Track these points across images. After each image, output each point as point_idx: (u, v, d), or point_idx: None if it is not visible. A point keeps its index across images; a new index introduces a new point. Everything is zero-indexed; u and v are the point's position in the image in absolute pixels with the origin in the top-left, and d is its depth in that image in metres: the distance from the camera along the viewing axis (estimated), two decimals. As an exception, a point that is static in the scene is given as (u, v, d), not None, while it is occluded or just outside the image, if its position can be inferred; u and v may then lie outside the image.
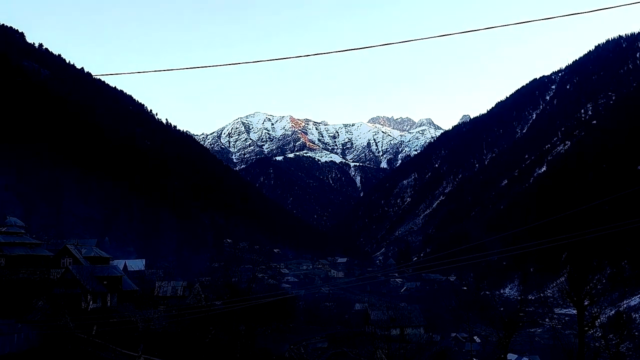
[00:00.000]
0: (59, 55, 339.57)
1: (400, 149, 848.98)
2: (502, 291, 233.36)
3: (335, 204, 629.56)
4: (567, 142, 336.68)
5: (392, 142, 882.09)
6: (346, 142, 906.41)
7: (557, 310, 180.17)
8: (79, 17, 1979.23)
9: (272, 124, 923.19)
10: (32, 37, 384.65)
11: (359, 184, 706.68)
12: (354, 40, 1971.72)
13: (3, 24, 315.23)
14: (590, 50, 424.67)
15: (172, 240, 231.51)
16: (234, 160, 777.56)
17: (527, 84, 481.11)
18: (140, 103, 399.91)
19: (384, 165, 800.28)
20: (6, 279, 73.16)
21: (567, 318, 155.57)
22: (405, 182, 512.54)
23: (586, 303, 27.42)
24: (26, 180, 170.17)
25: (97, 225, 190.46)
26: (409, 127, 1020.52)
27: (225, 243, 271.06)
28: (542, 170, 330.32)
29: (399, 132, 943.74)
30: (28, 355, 52.03)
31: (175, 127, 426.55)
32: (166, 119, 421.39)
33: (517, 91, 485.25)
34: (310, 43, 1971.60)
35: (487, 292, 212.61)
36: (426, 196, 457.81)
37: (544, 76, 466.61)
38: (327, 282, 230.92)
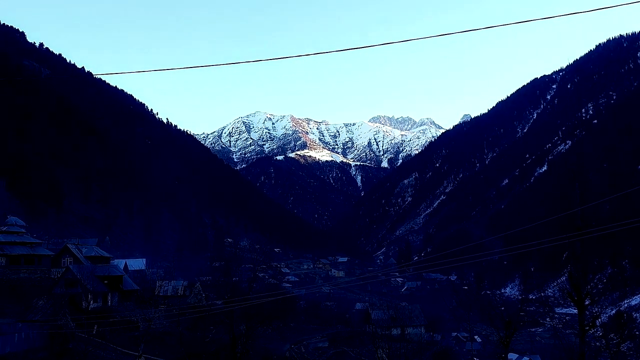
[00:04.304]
0: (60, 54, 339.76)
1: (401, 149, 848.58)
2: (502, 290, 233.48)
3: (336, 204, 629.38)
4: (567, 142, 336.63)
5: (393, 141, 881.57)
6: (347, 142, 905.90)
7: (557, 310, 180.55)
8: (79, 17, 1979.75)
9: (273, 124, 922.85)
10: (33, 37, 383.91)
11: (359, 184, 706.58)
12: (354, 40, 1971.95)
13: (3, 24, 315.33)
14: (591, 50, 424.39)
15: (173, 239, 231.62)
16: (235, 160, 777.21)
17: (527, 84, 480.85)
18: (141, 102, 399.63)
19: (384, 164, 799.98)
20: (7, 278, 73.24)
21: (567, 317, 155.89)
22: (406, 181, 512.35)
23: (587, 302, 27.28)
24: (26, 180, 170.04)
25: (97, 225, 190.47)
26: (409, 126, 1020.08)
27: (226, 242, 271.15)
28: (543, 169, 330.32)
29: (399, 131, 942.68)
30: (28, 354, 52.06)
31: (175, 126, 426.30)
32: (166, 119, 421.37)
33: (518, 90, 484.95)
34: (311, 42, 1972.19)
35: (488, 292, 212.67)
36: (427, 196, 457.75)
37: (544, 75, 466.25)
38: (328, 281, 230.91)
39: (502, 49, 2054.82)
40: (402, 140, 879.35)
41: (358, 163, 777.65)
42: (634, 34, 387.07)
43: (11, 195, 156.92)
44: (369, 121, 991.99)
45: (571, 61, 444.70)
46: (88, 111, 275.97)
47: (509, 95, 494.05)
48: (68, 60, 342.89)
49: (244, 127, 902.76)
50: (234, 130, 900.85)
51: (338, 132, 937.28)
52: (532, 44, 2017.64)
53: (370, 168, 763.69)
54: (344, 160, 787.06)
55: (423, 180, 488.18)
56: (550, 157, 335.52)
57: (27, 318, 58.84)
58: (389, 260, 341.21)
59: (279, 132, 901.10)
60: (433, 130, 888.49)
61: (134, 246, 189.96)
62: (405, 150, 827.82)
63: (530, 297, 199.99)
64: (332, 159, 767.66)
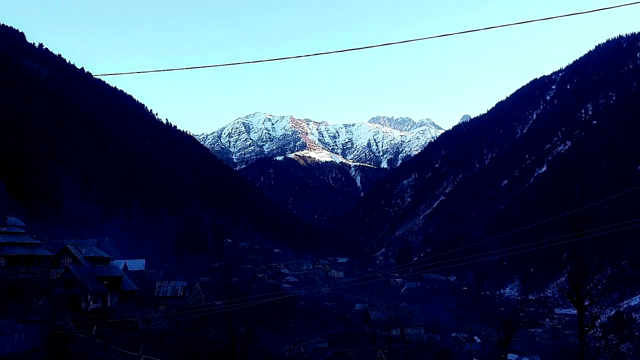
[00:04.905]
0: (59, 55, 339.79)
1: (401, 149, 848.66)
2: (502, 291, 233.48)
3: (335, 204, 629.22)
4: (567, 142, 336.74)
5: (392, 142, 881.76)
6: (346, 142, 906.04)
7: (557, 310, 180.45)
8: (79, 17, 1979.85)
9: (273, 124, 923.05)
10: (32, 37, 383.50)
11: (359, 184, 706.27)
12: (354, 40, 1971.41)
13: (3, 24, 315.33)
14: (590, 50, 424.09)
15: (172, 240, 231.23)
16: (234, 160, 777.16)
17: (527, 84, 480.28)
18: (140, 103, 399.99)
19: (384, 165, 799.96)
20: (6, 279, 73.14)
21: (567, 318, 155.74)
22: (405, 182, 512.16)
23: (586, 303, 27.25)
24: (26, 180, 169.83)
25: (97, 225, 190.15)
26: (409, 127, 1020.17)
27: (225, 243, 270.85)
28: (543, 170, 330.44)
29: (399, 132, 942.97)
30: (28, 355, 52.03)
31: (175, 127, 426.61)
32: (166, 119, 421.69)
33: (518, 91, 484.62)
34: (310, 43, 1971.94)
35: (488, 292, 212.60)
36: (426, 196, 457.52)
37: (544, 76, 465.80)
38: (327, 282, 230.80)
39: (501, 49, 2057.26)
40: (401, 141, 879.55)
41: (357, 164, 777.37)
42: (633, 35, 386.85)
43: (11, 195, 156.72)
44: (369, 122, 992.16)
45: (570, 62, 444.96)
46: (88, 112, 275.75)
47: (508, 95, 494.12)
48: (67, 61, 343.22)
49: (243, 128, 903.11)
50: (233, 130, 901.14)
51: (337, 132, 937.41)
52: (532, 45, 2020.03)
53: (370, 169, 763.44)
54: (344, 160, 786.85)
55: (422, 180, 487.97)
56: (549, 158, 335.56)
57: (26, 319, 58.79)
58: (388, 261, 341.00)
59: (279, 132, 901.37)
60: (432, 130, 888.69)
61: (134, 247, 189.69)
62: (404, 151, 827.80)
63: (530, 297, 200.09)
64: (331, 159, 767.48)
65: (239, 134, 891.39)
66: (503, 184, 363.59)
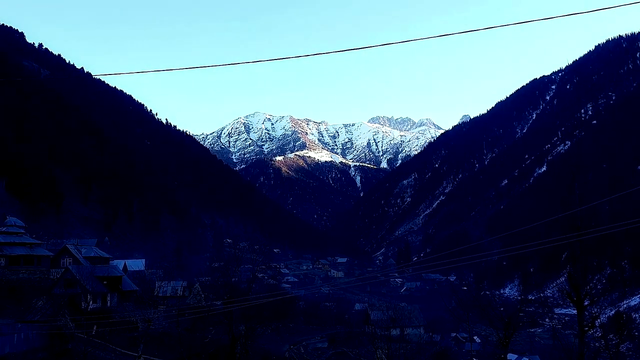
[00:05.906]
0: (59, 55, 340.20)
1: (401, 149, 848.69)
2: (502, 291, 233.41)
3: (335, 204, 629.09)
4: (567, 142, 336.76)
5: (392, 142, 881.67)
6: (346, 142, 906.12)
7: (557, 310, 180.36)
8: (79, 17, 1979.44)
9: (272, 124, 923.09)
10: (32, 37, 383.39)
11: (359, 184, 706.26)
12: (354, 40, 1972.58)
13: (3, 24, 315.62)
14: (590, 50, 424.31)
15: (172, 240, 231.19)
16: (234, 160, 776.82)
17: (527, 84, 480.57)
18: (140, 103, 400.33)
19: (384, 165, 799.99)
20: (6, 279, 73.16)
21: (567, 318, 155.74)
22: (405, 182, 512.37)
23: (586, 303, 27.26)
24: (26, 180, 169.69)
25: (97, 225, 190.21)
26: (409, 127, 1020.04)
27: (225, 243, 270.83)
28: (542, 170, 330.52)
29: (399, 132, 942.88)
30: (28, 355, 52.00)
31: (175, 127, 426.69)
32: (166, 119, 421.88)
33: (517, 91, 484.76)
34: (310, 43, 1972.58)
35: (487, 292, 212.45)
36: (426, 196, 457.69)
37: (544, 76, 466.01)
38: (327, 282, 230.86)
39: (501, 49, 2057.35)
40: (401, 141, 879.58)
41: (357, 163, 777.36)
42: (633, 35, 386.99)
43: (11, 195, 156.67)
44: (368, 122, 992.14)
45: (570, 62, 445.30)
46: (87, 111, 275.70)
47: (508, 95, 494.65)
48: (67, 61, 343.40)
49: (243, 128, 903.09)
50: (233, 130, 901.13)
51: (337, 132, 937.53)
52: (532, 45, 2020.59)
53: (370, 169, 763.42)
54: (343, 160, 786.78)
55: (422, 180, 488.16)
56: (549, 158, 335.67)
57: (26, 318, 58.76)
58: (388, 261, 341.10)
59: (278, 132, 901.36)
60: (432, 130, 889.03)
61: (134, 247, 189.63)
62: (404, 151, 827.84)
63: (530, 297, 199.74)
64: (331, 159, 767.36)
65: (238, 134, 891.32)
66: (503, 184, 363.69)
